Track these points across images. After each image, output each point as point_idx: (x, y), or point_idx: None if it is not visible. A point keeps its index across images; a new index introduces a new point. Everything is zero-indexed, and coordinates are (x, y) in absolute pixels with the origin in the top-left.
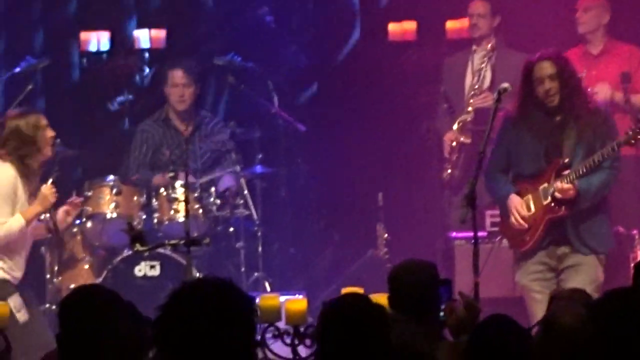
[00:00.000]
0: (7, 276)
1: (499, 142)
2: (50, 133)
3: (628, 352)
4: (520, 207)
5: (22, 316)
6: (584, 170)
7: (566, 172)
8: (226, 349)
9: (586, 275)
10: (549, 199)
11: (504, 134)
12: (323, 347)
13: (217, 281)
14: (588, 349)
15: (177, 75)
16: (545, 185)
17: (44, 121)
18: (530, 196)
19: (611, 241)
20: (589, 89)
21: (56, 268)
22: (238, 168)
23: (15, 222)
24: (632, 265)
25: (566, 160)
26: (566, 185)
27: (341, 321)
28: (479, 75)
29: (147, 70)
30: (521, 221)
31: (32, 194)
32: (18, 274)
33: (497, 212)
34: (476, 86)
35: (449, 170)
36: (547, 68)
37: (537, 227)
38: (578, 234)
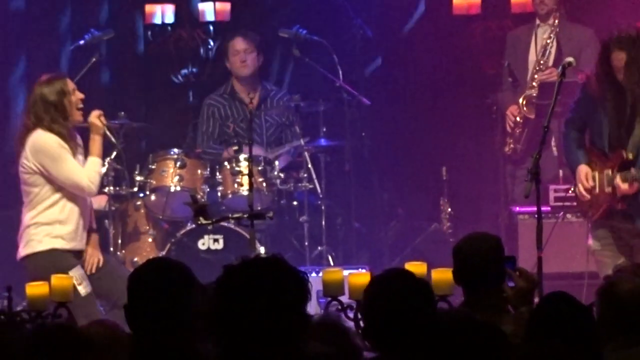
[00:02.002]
0: (67, 246)
1: (579, 104)
2: (78, 96)
3: None
4: (586, 180)
5: (83, 289)
6: None
7: (630, 170)
8: (278, 322)
9: None
10: (610, 188)
11: (583, 99)
12: (368, 322)
13: (269, 259)
14: None
15: (237, 42)
16: (609, 172)
17: (70, 86)
18: (597, 174)
19: None
20: None
21: (120, 241)
22: (302, 141)
23: (93, 163)
24: None
25: (630, 156)
26: (626, 187)
27: (385, 296)
28: (544, 51)
29: (211, 43)
30: (585, 193)
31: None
32: (79, 244)
33: (560, 187)
34: (541, 62)
35: (512, 145)
36: (620, 57)
37: (599, 206)
38: None
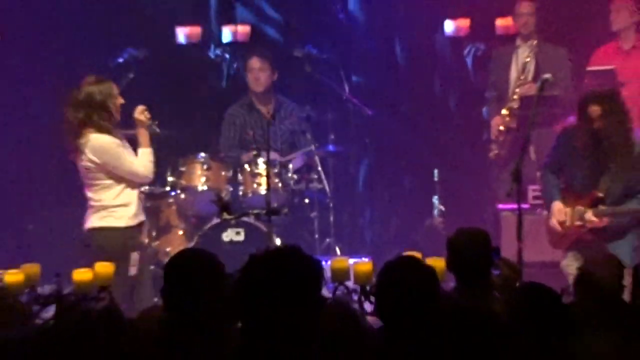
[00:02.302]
0: (133, 222)
1: (556, 149)
2: (120, 101)
3: None
4: (559, 214)
5: (133, 270)
6: (616, 213)
7: (600, 207)
8: (297, 304)
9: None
10: (580, 222)
11: (560, 144)
12: (380, 302)
13: (288, 248)
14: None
15: (253, 61)
16: (581, 208)
17: (115, 90)
18: (570, 210)
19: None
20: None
21: (154, 234)
22: (313, 147)
23: (144, 155)
24: None
25: (601, 195)
26: (596, 220)
27: (396, 280)
28: (524, 68)
29: (233, 61)
30: (557, 226)
31: None
32: (140, 218)
33: (538, 187)
34: (522, 77)
35: (496, 151)
36: (595, 111)
37: (569, 238)
38: (618, 246)
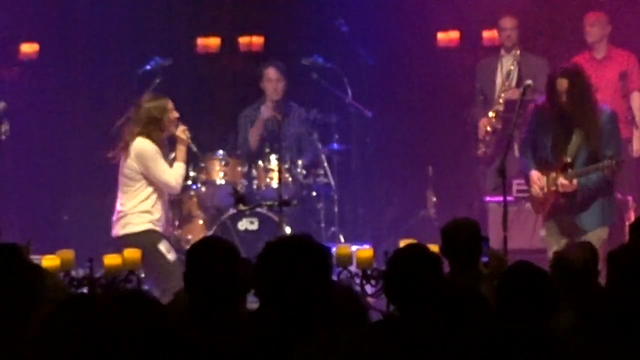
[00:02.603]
0: (155, 227)
1: (530, 124)
2: (175, 115)
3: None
4: (538, 181)
5: (172, 256)
6: (583, 172)
7: (569, 170)
8: (309, 287)
9: (595, 238)
10: (555, 187)
11: (533, 120)
12: (389, 283)
13: (301, 236)
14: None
15: (271, 72)
16: (554, 174)
17: (170, 105)
18: (545, 178)
19: (612, 216)
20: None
21: (176, 223)
22: (319, 145)
23: (178, 169)
24: (628, 225)
25: (569, 160)
26: (566, 182)
27: (406, 263)
28: (508, 75)
29: (247, 69)
30: (539, 190)
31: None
32: (163, 229)
33: (522, 181)
34: (506, 83)
35: (483, 149)
36: (562, 84)
37: (547, 204)
38: (583, 215)
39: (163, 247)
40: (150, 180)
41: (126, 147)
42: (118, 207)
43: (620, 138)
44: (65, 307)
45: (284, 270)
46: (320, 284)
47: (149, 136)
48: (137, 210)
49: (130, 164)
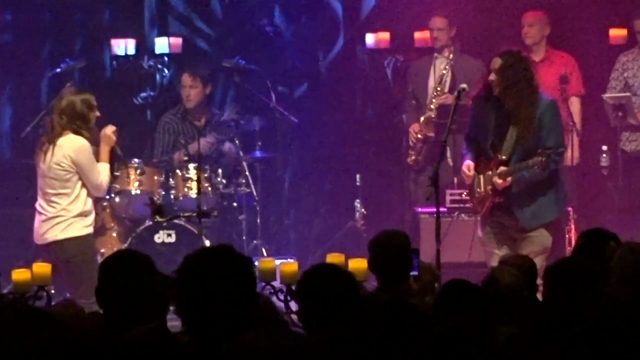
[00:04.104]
0: (92, 230)
1: (470, 120)
2: (97, 114)
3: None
4: (468, 170)
5: None
6: (515, 170)
7: (502, 168)
8: (232, 300)
9: (537, 245)
10: (491, 186)
11: (472, 116)
12: (302, 307)
13: (221, 247)
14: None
15: (184, 79)
16: (489, 173)
17: (94, 102)
18: (481, 176)
19: (556, 209)
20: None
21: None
22: (241, 153)
23: (104, 170)
24: (567, 237)
25: (503, 158)
26: (500, 181)
27: (314, 287)
28: (440, 80)
29: (166, 71)
30: (469, 181)
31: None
32: (94, 226)
33: (455, 191)
34: (438, 88)
35: (414, 157)
36: (495, 62)
37: (484, 203)
38: (522, 212)
39: (99, 258)
40: (82, 180)
41: (52, 143)
42: (49, 211)
43: (562, 128)
44: None
45: (206, 285)
46: (245, 297)
47: (78, 133)
48: (79, 213)
49: (60, 161)
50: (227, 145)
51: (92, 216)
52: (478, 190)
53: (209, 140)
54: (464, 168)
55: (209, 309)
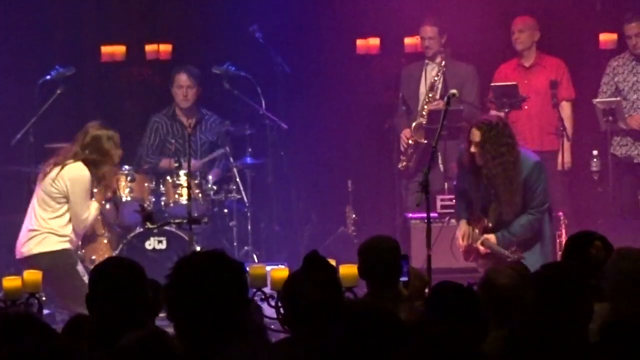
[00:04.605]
0: (72, 247)
1: (458, 176)
2: (120, 152)
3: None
4: (461, 234)
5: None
6: (494, 250)
7: (485, 236)
8: (223, 306)
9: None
10: (477, 244)
11: (460, 172)
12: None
13: (213, 252)
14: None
15: (182, 79)
16: (476, 232)
17: (118, 139)
18: (471, 231)
19: (541, 260)
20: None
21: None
22: (231, 159)
23: (93, 209)
24: (558, 242)
25: (489, 225)
26: (482, 248)
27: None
28: (432, 86)
29: (155, 77)
30: (461, 243)
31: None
32: (75, 245)
33: (446, 197)
34: (430, 95)
35: (404, 162)
36: (474, 135)
37: (471, 254)
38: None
39: (81, 267)
40: (68, 204)
41: (60, 165)
42: (33, 224)
43: (546, 184)
44: None
45: (197, 289)
46: (236, 301)
47: (88, 165)
48: (58, 230)
49: (59, 185)
50: (215, 172)
51: (69, 238)
52: (467, 242)
53: (202, 162)
54: (459, 233)
55: (201, 313)
